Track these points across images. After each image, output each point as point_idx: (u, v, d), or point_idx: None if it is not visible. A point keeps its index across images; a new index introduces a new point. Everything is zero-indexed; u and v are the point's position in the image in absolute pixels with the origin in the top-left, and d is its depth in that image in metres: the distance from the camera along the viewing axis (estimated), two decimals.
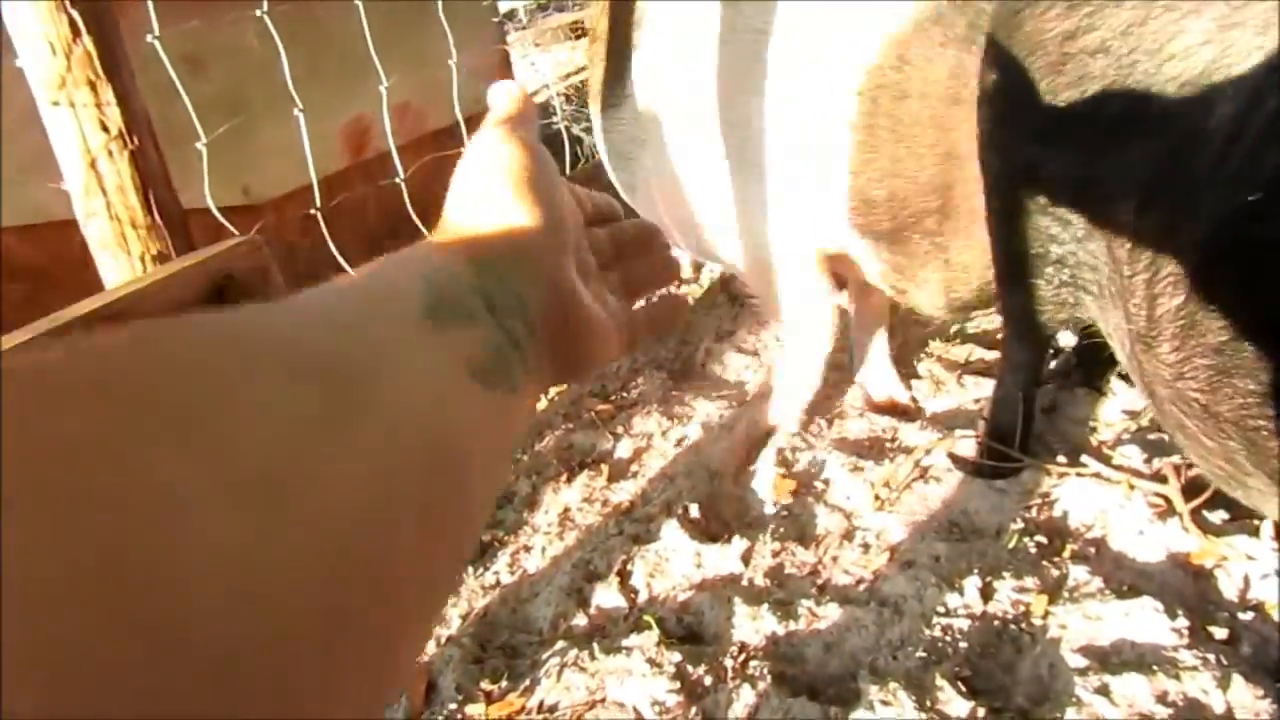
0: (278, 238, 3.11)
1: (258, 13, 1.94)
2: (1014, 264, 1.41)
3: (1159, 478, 1.66)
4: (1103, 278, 1.22)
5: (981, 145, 1.42)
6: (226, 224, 2.13)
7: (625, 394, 2.31)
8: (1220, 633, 1.41)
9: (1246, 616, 1.45)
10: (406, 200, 2.66)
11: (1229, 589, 1.50)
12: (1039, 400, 1.95)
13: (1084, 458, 1.74)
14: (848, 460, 1.88)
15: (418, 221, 2.67)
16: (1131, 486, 1.66)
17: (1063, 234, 1.29)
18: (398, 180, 2.70)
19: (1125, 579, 1.52)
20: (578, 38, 7.78)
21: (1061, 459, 1.77)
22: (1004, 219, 1.40)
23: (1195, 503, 1.59)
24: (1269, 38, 0.95)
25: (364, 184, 3.44)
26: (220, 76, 2.56)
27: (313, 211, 2.23)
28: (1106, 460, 1.74)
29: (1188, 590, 1.50)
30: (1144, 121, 1.09)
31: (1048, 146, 1.26)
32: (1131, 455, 1.75)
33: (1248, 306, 0.97)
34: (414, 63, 3.00)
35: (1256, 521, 1.56)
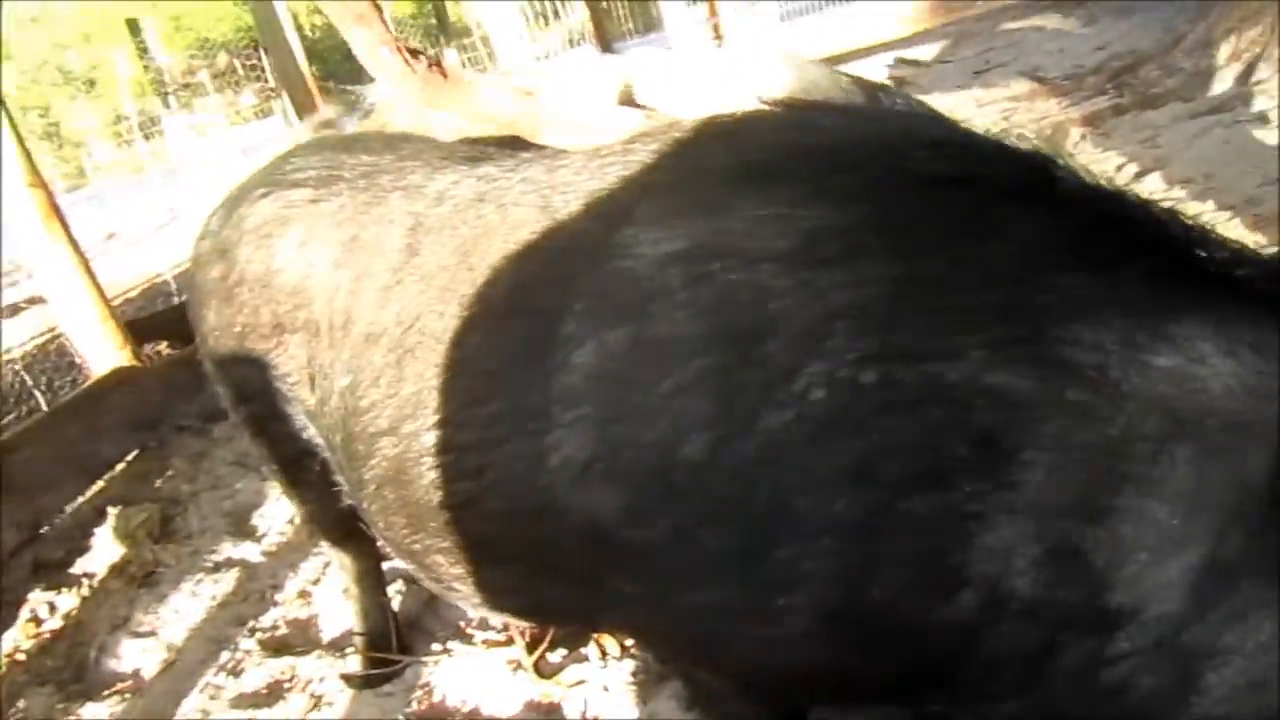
0: None
1: None
2: (284, 471, 1.63)
3: (510, 641, 1.93)
4: (337, 456, 1.47)
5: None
6: None
7: None
8: None
9: None
10: None
11: (574, 714, 1.78)
12: (416, 596, 2.16)
13: (450, 641, 1.96)
14: (245, 714, 1.88)
15: None
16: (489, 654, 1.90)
17: (293, 425, 1.54)
18: None
19: None
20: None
21: (437, 646, 1.97)
22: (256, 434, 1.61)
23: (537, 654, 1.87)
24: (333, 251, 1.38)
25: None
26: None
27: None
28: (470, 640, 1.97)
29: None
30: (294, 321, 1.42)
31: (245, 361, 1.51)
32: (495, 625, 2.01)
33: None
34: None
35: (584, 650, 1.88)
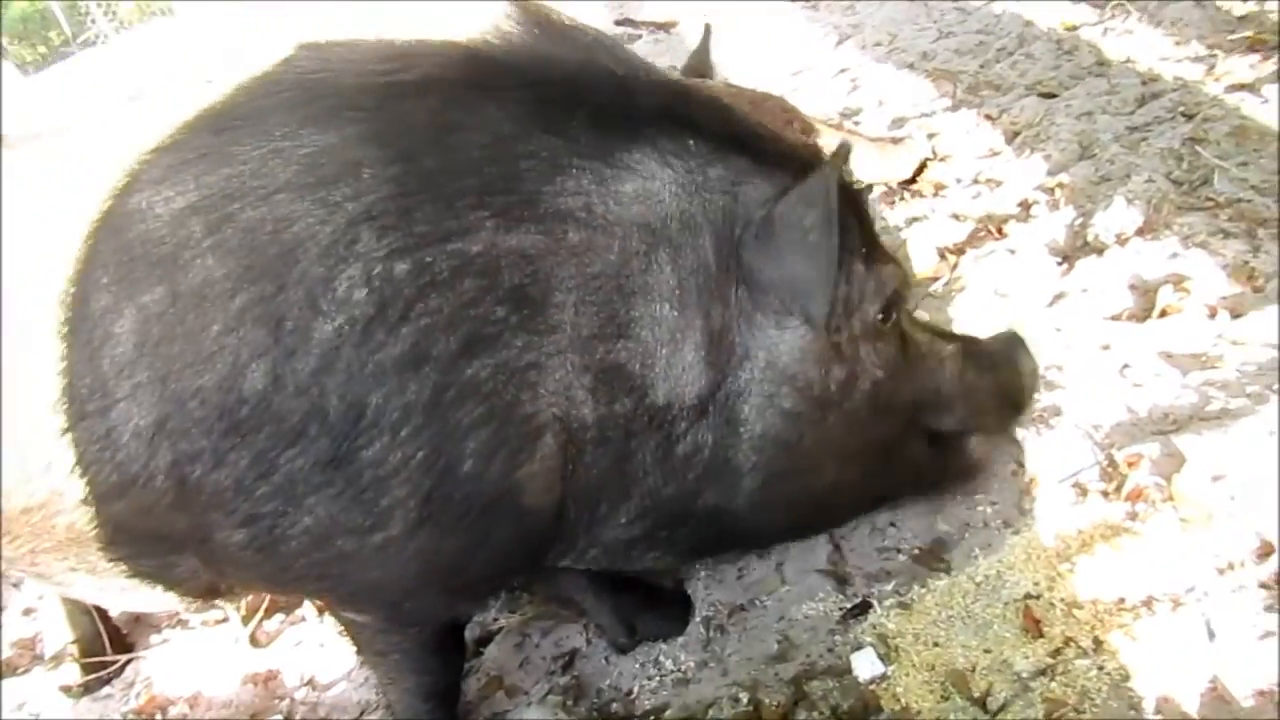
0: None
1: None
2: None
3: (226, 619, 1.93)
4: None
5: None
6: None
7: None
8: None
9: (301, 694, 1.76)
10: None
11: (293, 678, 1.81)
12: None
13: (169, 630, 1.95)
14: None
15: None
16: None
17: None
18: None
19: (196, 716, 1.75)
20: None
21: (157, 637, 1.96)
22: None
23: (252, 625, 1.89)
24: None
25: None
26: None
27: None
28: (188, 625, 1.97)
29: (249, 698, 1.77)
30: None
31: None
32: (217, 605, 2.00)
33: None
34: None
35: (300, 612, 1.91)
